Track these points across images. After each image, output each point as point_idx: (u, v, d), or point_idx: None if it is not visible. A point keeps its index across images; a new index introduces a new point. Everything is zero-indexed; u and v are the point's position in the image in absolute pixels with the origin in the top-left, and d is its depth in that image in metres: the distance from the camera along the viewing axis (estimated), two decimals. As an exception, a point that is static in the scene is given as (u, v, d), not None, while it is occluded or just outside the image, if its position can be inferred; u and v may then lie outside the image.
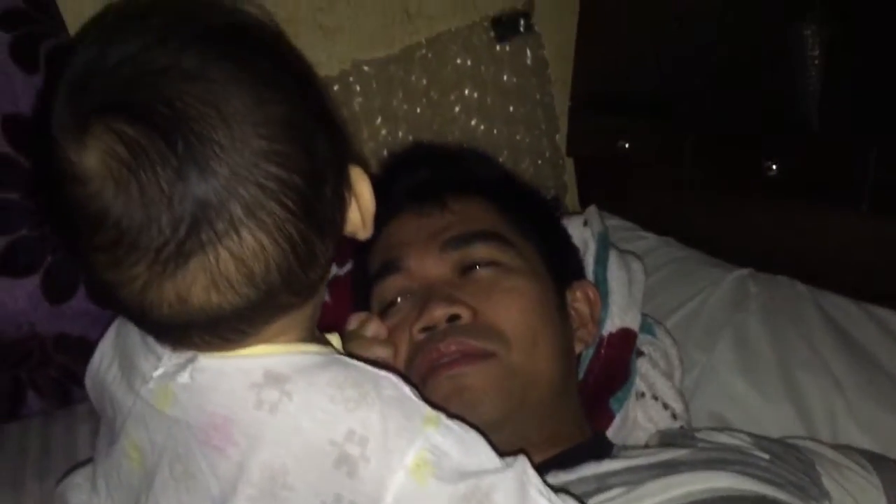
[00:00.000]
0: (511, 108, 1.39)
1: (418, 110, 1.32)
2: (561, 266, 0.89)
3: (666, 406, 0.91)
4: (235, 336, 0.54)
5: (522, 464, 0.55)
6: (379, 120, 1.29)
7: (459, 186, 0.89)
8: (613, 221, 1.36)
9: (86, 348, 1.00)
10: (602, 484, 0.70)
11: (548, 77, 1.41)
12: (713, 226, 1.28)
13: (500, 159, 1.41)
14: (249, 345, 0.55)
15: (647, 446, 0.81)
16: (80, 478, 0.66)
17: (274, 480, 0.52)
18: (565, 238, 0.96)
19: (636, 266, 0.99)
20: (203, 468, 0.53)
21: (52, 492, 0.86)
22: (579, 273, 0.94)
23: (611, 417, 0.89)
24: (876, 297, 1.09)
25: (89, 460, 0.66)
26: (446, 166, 0.96)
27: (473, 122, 1.37)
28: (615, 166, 1.40)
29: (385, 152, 1.30)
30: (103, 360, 0.62)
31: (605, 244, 0.99)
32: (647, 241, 1.29)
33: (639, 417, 0.91)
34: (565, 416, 0.81)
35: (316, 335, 0.61)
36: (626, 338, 0.92)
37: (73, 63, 0.51)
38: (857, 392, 0.97)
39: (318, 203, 0.53)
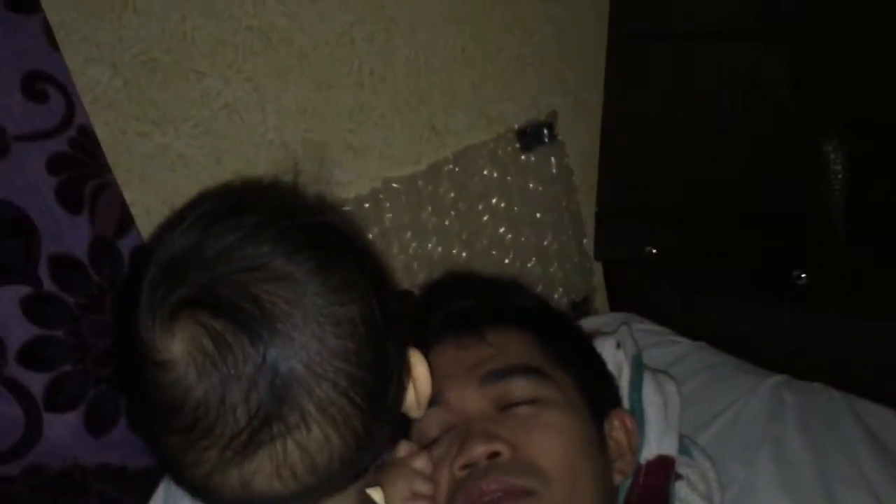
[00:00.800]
0: (538, 215, 1.41)
1: (447, 222, 1.34)
2: (598, 396, 0.90)
3: (707, 532, 0.91)
4: None
5: None
6: (409, 234, 1.31)
7: (497, 317, 0.91)
8: (645, 325, 1.37)
9: (126, 476, 1.02)
10: None
11: (573, 184, 1.43)
12: (744, 331, 1.28)
13: (529, 265, 1.43)
14: None
15: None
16: None
17: None
18: (601, 366, 0.97)
19: (671, 388, 1.00)
20: None
21: None
22: (616, 401, 0.95)
23: (653, 547, 0.88)
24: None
25: None
26: (483, 296, 0.97)
27: (501, 230, 1.39)
28: (643, 270, 1.41)
29: (415, 265, 1.32)
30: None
31: (639, 368, 0.99)
32: (680, 345, 1.30)
33: (681, 546, 0.90)
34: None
35: (366, 496, 0.62)
36: (664, 465, 0.92)
37: (168, 247, 0.54)
38: (901, 511, 0.96)
39: (383, 397, 0.55)
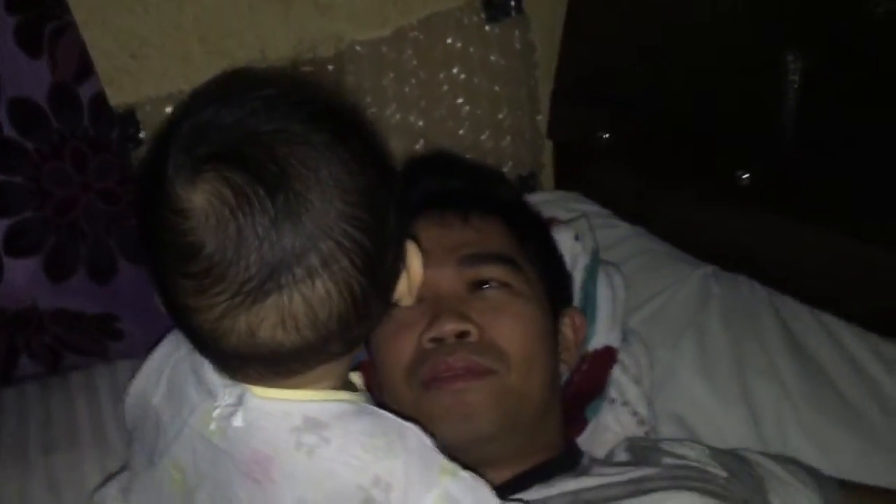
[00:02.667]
0: (496, 88, 1.42)
1: (407, 89, 1.34)
2: (557, 293, 0.95)
3: (634, 412, 0.99)
4: (286, 372, 0.60)
5: None
6: (369, 99, 1.31)
7: (481, 203, 0.94)
8: (588, 206, 1.42)
9: (82, 321, 1.05)
10: (578, 499, 0.77)
11: (534, 61, 1.44)
12: (683, 220, 1.35)
13: (483, 136, 1.45)
14: (296, 383, 0.61)
15: (616, 462, 0.88)
16: (114, 490, 0.71)
17: None
18: (562, 265, 1.02)
19: (618, 282, 1.06)
20: (241, 497, 0.60)
21: (57, 466, 0.93)
22: (569, 299, 1.00)
23: (585, 424, 0.96)
24: (830, 306, 1.18)
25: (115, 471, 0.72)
26: (471, 181, 1.00)
27: (459, 101, 1.40)
28: (593, 153, 1.44)
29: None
30: (149, 385, 0.68)
31: (596, 262, 1.05)
32: (619, 229, 1.35)
33: (609, 422, 0.99)
34: (548, 430, 0.88)
35: (347, 380, 0.66)
36: (608, 355, 0.99)
37: (193, 115, 0.58)
38: (805, 401, 1.06)
39: (381, 266, 0.59)
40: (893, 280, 1.11)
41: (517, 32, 1.41)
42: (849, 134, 1.10)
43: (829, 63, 1.10)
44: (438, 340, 0.83)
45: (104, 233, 1.05)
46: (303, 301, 0.56)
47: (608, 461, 0.90)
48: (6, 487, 0.92)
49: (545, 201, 1.41)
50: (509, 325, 0.85)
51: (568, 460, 0.86)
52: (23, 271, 0.99)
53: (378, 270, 0.59)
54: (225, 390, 0.61)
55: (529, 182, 1.53)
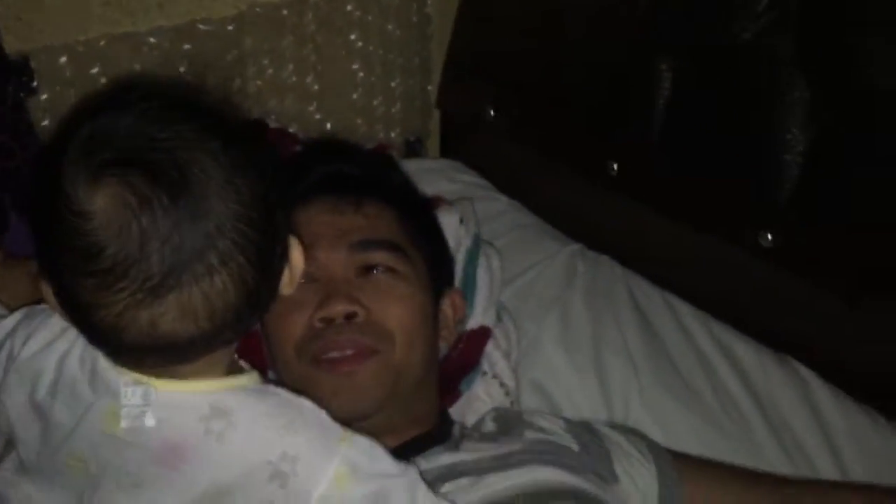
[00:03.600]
0: (391, 57, 1.47)
1: (304, 52, 1.38)
2: (440, 275, 1.03)
3: (502, 384, 1.10)
4: (181, 360, 0.65)
5: (413, 471, 0.72)
6: (266, 61, 1.34)
7: (373, 189, 1.00)
8: (470, 177, 1.51)
9: None
10: (452, 472, 0.87)
11: (429, 33, 1.50)
12: (556, 199, 1.45)
13: (375, 102, 1.50)
14: (192, 369, 0.66)
15: (485, 431, 0.98)
16: (9, 472, 0.72)
17: (219, 492, 0.65)
18: (446, 249, 1.09)
19: (496, 265, 1.15)
20: (155, 482, 0.65)
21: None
22: (451, 280, 1.08)
23: (459, 396, 1.06)
24: (676, 288, 1.32)
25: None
26: (363, 166, 1.05)
27: (355, 66, 1.45)
28: (478, 125, 1.52)
29: (267, 91, 1.36)
30: (28, 384, 0.69)
31: (478, 246, 1.13)
32: (498, 202, 1.45)
33: (480, 392, 1.09)
34: (424, 404, 0.97)
35: (235, 362, 0.72)
36: (483, 333, 1.09)
37: (90, 121, 0.61)
38: (650, 378, 1.19)
39: (270, 260, 0.65)
40: (729, 267, 1.26)
41: (415, 5, 1.46)
42: (707, 141, 1.23)
43: (698, 75, 1.21)
44: (328, 320, 0.90)
45: (-2, 187, 1.05)
46: (202, 295, 0.60)
47: (477, 430, 1.01)
48: None
49: (429, 169, 1.48)
50: (394, 307, 0.93)
51: (441, 433, 0.96)
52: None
53: (268, 264, 0.65)
54: (127, 389, 0.65)
55: (415, 147, 1.60)
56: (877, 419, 1.13)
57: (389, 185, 1.05)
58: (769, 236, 1.17)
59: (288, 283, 0.69)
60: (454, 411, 1.06)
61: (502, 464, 0.89)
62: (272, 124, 1.33)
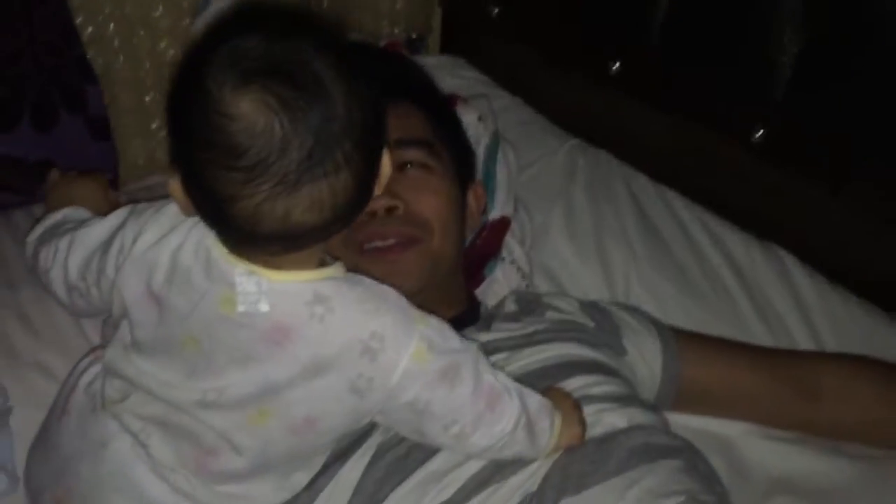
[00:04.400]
0: (395, -46, 1.52)
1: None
2: (464, 169, 1.12)
3: (519, 269, 1.21)
4: (298, 248, 0.73)
5: (475, 346, 0.83)
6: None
7: (401, 91, 1.06)
8: (472, 73, 1.59)
9: (22, 165, 1.12)
10: (489, 349, 0.97)
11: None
12: (556, 95, 1.54)
13: (379, 1, 1.55)
14: (295, 259, 0.74)
15: (507, 311, 1.09)
16: (119, 349, 0.81)
17: (318, 366, 0.75)
18: (468, 144, 1.17)
19: (512, 159, 1.24)
20: (264, 356, 0.75)
21: (24, 300, 1.03)
22: (473, 173, 1.17)
23: (482, 280, 1.17)
24: (670, 182, 1.43)
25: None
26: (392, 71, 1.11)
27: (361, -35, 1.49)
28: (480, 23, 1.58)
29: None
30: (143, 275, 0.77)
31: (496, 142, 1.22)
32: (502, 99, 1.52)
33: (498, 276, 1.20)
34: (457, 286, 1.08)
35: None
36: (504, 223, 1.19)
37: (231, 40, 0.68)
38: (647, 261, 1.31)
39: (378, 161, 0.74)
40: (722, 161, 1.37)
41: None
42: (705, 42, 1.31)
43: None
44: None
45: (47, 84, 1.10)
46: (329, 189, 0.68)
47: (500, 310, 1.12)
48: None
49: (432, 65, 1.54)
50: (429, 200, 1.02)
51: (472, 315, 1.07)
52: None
53: (375, 164, 0.74)
54: (241, 278, 0.73)
55: (417, 44, 1.66)
56: (848, 297, 1.27)
57: (416, 86, 1.12)
58: (760, 132, 1.28)
59: (378, 187, 0.77)
60: (477, 294, 1.17)
61: (530, 340, 1.01)
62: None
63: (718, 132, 1.33)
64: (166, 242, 0.77)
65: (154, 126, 1.35)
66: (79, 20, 1.19)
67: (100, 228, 0.84)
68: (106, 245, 0.82)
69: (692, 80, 1.34)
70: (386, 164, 0.76)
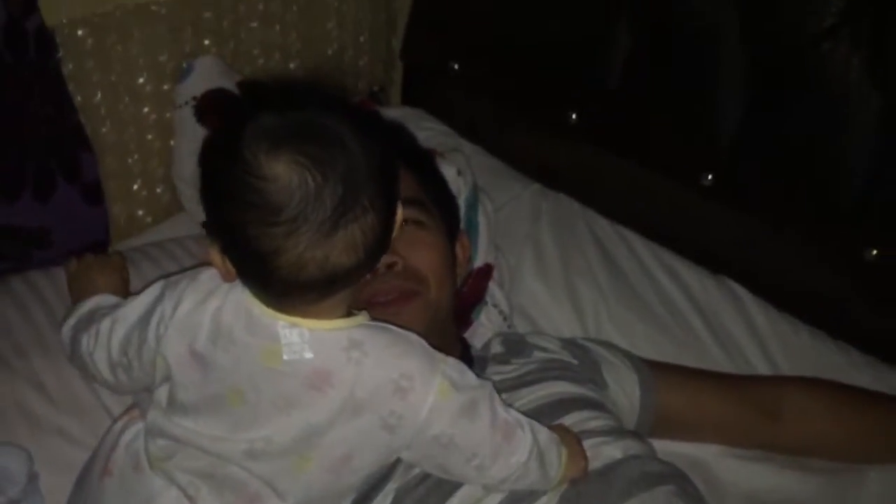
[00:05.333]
0: (360, 14, 1.60)
1: (288, 15, 1.48)
2: (452, 222, 1.19)
3: (501, 312, 1.29)
4: (333, 293, 0.80)
5: (490, 384, 0.90)
6: (256, 23, 1.44)
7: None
8: (433, 124, 1.67)
9: (20, 233, 1.15)
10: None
11: (396, -8, 1.62)
12: (515, 144, 1.63)
13: (346, 55, 1.62)
14: (326, 308, 0.81)
15: (495, 353, 1.17)
16: (160, 415, 0.86)
17: (355, 406, 0.81)
18: (453, 198, 1.25)
19: (490, 208, 1.33)
20: (306, 402, 0.81)
21: (38, 368, 1.06)
22: (458, 225, 1.25)
23: (470, 324, 1.25)
24: (625, 221, 1.53)
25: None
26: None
27: (330, 25, 1.56)
28: (441, 77, 1.67)
29: (255, 51, 1.46)
30: (185, 338, 0.83)
31: (475, 195, 1.30)
32: (464, 148, 1.60)
33: (482, 319, 1.28)
34: (451, 332, 1.15)
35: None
36: (488, 270, 1.27)
37: (262, 114, 0.77)
38: (614, 298, 1.41)
39: (395, 204, 0.82)
40: (674, 202, 1.48)
41: (383, -35, 1.58)
42: (658, 94, 1.43)
43: (651, 41, 1.41)
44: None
45: (46, 155, 1.14)
46: (360, 231, 0.76)
47: (486, 352, 1.20)
48: (-6, 390, 1.04)
49: (394, 117, 1.62)
50: (425, 255, 1.09)
51: (467, 358, 1.14)
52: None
53: (393, 209, 0.82)
54: (285, 331, 0.80)
55: (378, 96, 1.74)
56: (796, 324, 1.39)
57: (405, 148, 1.20)
58: (710, 176, 1.40)
59: (395, 229, 0.85)
60: (465, 338, 1.25)
61: (524, 381, 1.09)
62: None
63: (671, 177, 1.45)
64: (206, 306, 0.83)
65: (135, 187, 1.40)
66: (69, 88, 1.23)
67: (138, 304, 0.89)
68: (146, 318, 0.87)
69: (646, 129, 1.45)
70: (399, 210, 0.84)
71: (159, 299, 0.87)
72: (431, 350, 0.87)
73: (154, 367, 0.86)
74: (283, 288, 0.79)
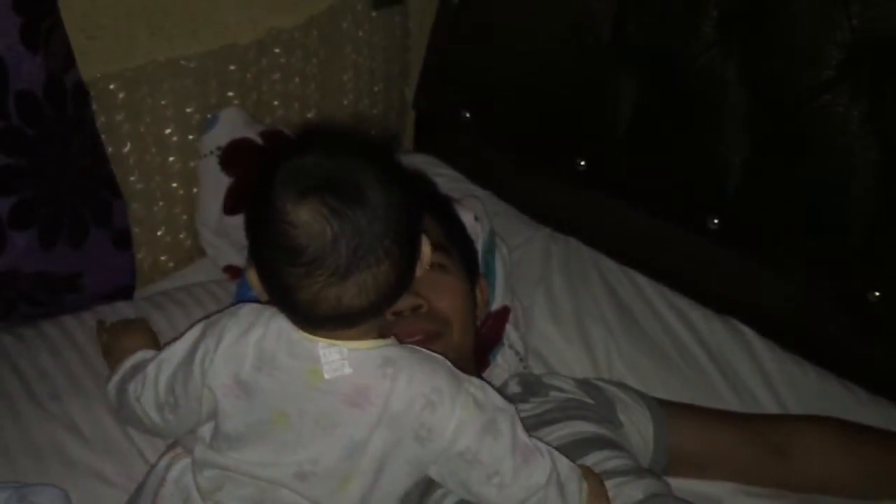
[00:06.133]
0: (375, 65, 1.66)
1: (308, 67, 1.54)
2: (471, 267, 1.24)
3: (517, 353, 1.33)
4: (350, 326, 0.86)
5: (513, 408, 0.94)
6: (277, 76, 1.50)
7: None
8: (445, 171, 1.72)
9: (53, 279, 1.19)
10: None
11: (409, 43, 1.68)
12: (525, 190, 1.68)
13: (360, 105, 1.68)
14: (355, 333, 0.87)
15: (511, 393, 1.20)
16: (202, 451, 0.90)
17: (390, 419, 0.86)
18: (472, 243, 1.30)
19: (505, 252, 1.37)
20: (347, 419, 0.86)
21: (71, 410, 1.09)
22: (478, 270, 1.30)
23: (488, 364, 1.29)
24: (634, 265, 1.58)
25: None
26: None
27: (345, 77, 1.62)
28: (452, 125, 1.72)
29: (276, 102, 1.51)
30: (230, 369, 0.88)
31: (492, 239, 1.35)
32: (475, 193, 1.66)
33: (499, 360, 1.32)
34: (471, 372, 1.18)
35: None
36: (505, 312, 1.31)
37: (291, 160, 0.84)
38: (624, 339, 1.44)
39: (414, 251, 0.88)
40: (679, 248, 1.53)
41: (398, 18, 1.64)
42: (664, 141, 1.48)
43: (657, 89, 1.46)
44: (398, 313, 1.09)
45: (81, 203, 1.18)
46: (373, 278, 0.82)
47: (505, 392, 1.23)
48: (31, 433, 1.07)
49: (408, 163, 1.67)
50: (448, 298, 1.14)
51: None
52: (22, 242, 1.11)
53: (413, 256, 0.88)
54: (325, 350, 0.86)
55: (392, 144, 1.79)
56: (803, 363, 1.43)
57: (427, 196, 1.25)
58: (715, 220, 1.45)
59: (420, 268, 0.91)
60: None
61: (542, 420, 1.12)
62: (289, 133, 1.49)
63: (678, 221, 1.50)
64: (249, 336, 0.89)
65: (160, 233, 1.44)
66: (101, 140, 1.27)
67: (182, 344, 0.94)
68: (190, 355, 0.92)
69: (653, 175, 1.51)
70: (426, 251, 0.91)
71: (202, 337, 0.91)
72: (457, 370, 0.92)
73: (200, 402, 0.90)
74: (305, 318, 0.86)
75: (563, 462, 0.96)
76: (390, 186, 0.83)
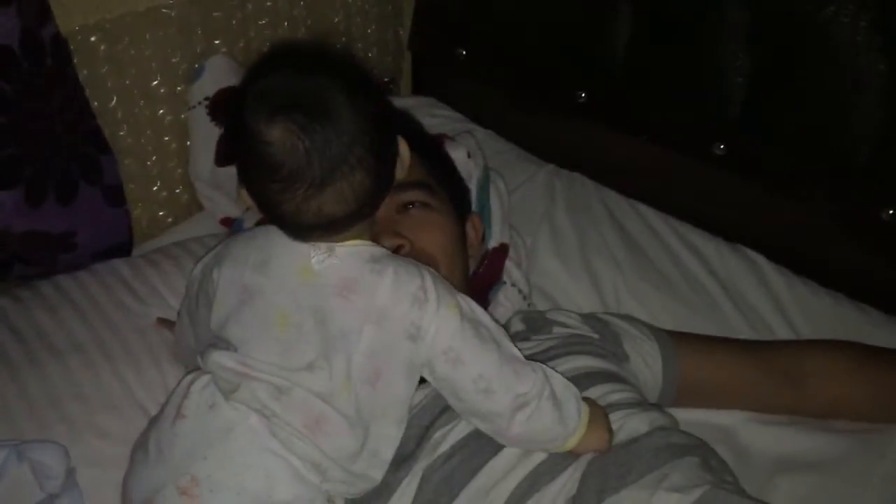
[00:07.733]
0: (367, 6, 1.62)
1: (295, 12, 1.50)
2: (461, 204, 1.21)
3: (520, 291, 1.31)
4: (338, 232, 0.88)
5: (502, 328, 0.94)
6: (265, 20, 1.46)
7: None
8: (445, 111, 1.69)
9: (46, 239, 1.18)
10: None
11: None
12: (526, 126, 1.64)
13: (354, 49, 1.64)
14: (346, 237, 0.89)
15: (515, 331, 1.18)
16: (216, 353, 0.91)
17: (381, 314, 0.87)
18: (462, 181, 1.27)
19: (503, 188, 1.34)
20: (336, 311, 0.87)
21: (71, 367, 1.09)
22: (469, 206, 1.27)
23: (488, 304, 1.26)
24: (640, 197, 1.54)
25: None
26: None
27: (337, 19, 1.58)
28: (449, 65, 1.68)
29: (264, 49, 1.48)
30: (236, 274, 0.92)
31: (487, 175, 1.31)
32: (476, 133, 1.62)
33: (501, 299, 1.29)
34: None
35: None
36: (503, 250, 1.29)
37: (264, 80, 0.86)
38: (631, 272, 1.42)
39: (388, 156, 0.90)
40: (685, 177, 1.49)
41: (388, -43, 1.60)
42: (666, 68, 1.44)
43: (656, 14, 1.41)
44: None
45: (67, 160, 1.17)
46: (349, 186, 0.84)
47: (508, 330, 1.20)
48: (29, 391, 1.07)
49: (407, 106, 1.64)
50: (432, 236, 1.12)
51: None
52: (9, 200, 1.10)
53: (386, 159, 0.89)
54: (314, 247, 0.89)
55: (390, 87, 1.75)
56: (815, 287, 1.39)
57: (410, 132, 1.21)
58: (721, 146, 1.41)
59: (400, 170, 0.93)
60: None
61: (546, 357, 1.09)
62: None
63: (683, 150, 1.46)
64: (250, 245, 0.93)
65: (155, 189, 1.42)
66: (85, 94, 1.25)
67: (201, 266, 1.01)
68: (208, 267, 0.98)
69: (655, 104, 1.46)
70: (404, 151, 0.93)
71: (219, 250, 0.98)
72: (448, 284, 0.93)
73: (211, 307, 0.94)
74: (293, 228, 0.88)
75: (558, 379, 0.95)
76: (356, 97, 0.85)
